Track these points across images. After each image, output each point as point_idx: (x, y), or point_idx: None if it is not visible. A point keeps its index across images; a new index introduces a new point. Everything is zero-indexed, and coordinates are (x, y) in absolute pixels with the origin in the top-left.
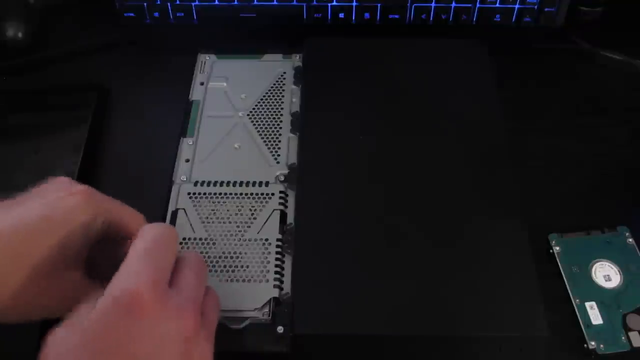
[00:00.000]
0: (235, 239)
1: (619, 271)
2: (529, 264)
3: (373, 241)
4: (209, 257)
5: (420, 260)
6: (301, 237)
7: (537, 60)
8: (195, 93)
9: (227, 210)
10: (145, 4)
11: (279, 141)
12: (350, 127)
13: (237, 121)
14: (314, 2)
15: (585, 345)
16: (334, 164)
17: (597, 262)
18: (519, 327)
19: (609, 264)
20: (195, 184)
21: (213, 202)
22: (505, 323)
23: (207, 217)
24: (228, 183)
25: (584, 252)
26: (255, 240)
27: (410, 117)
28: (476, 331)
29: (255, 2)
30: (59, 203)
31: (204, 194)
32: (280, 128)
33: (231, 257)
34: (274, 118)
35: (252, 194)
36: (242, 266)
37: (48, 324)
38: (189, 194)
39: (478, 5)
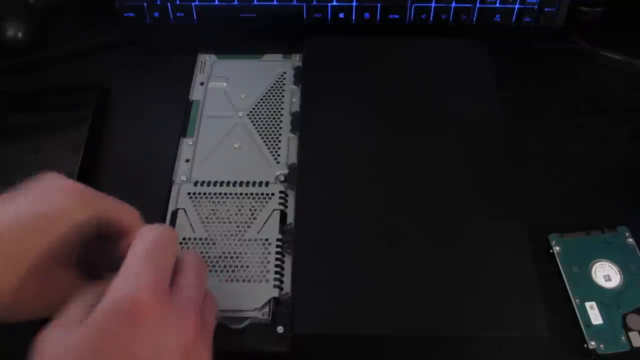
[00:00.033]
0: (235, 239)
1: (619, 271)
2: (529, 264)
3: (373, 241)
4: (209, 257)
5: (420, 260)
6: (301, 237)
7: (537, 60)
8: (195, 93)
9: (227, 210)
10: (145, 4)
11: (279, 141)
12: (350, 127)
13: (237, 121)
14: (314, 2)
15: (585, 345)
16: (334, 164)
17: (597, 262)
18: (519, 327)
19: (609, 264)
20: (195, 184)
21: (213, 202)
22: (505, 323)
23: (207, 217)
24: (228, 183)
25: (584, 252)
26: (255, 240)
27: (410, 117)
28: (476, 331)
29: (255, 2)
30: (53, 200)
31: (204, 194)
32: (280, 128)
33: (231, 257)
34: (274, 118)
35: (252, 194)
36: (242, 266)
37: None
38: (189, 194)
39: (478, 5)
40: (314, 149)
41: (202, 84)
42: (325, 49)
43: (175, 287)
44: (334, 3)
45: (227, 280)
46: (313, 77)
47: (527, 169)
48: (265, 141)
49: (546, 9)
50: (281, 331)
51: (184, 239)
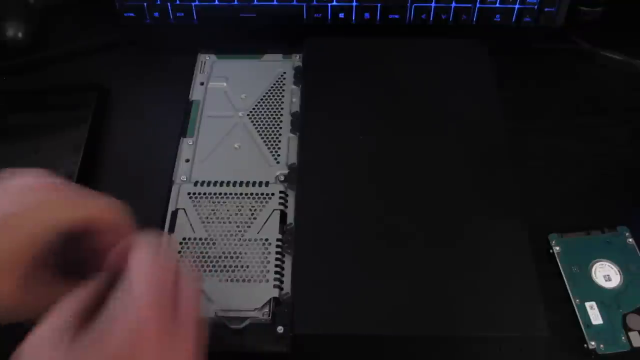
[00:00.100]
0: (235, 239)
1: (619, 271)
2: (529, 264)
3: (373, 241)
4: (209, 257)
5: (420, 260)
6: (301, 237)
7: (537, 60)
8: (195, 93)
9: (227, 210)
10: (145, 4)
11: (279, 141)
12: (350, 127)
13: (237, 121)
14: (314, 2)
15: (585, 345)
16: (334, 164)
17: (597, 262)
18: (519, 327)
19: (609, 264)
20: (195, 184)
21: (213, 202)
22: (505, 323)
23: (207, 217)
24: (228, 183)
25: (584, 252)
26: (255, 240)
27: (410, 117)
28: (476, 331)
29: (255, 2)
30: (24, 199)
31: (204, 194)
32: (280, 128)
33: (231, 257)
34: (274, 118)
35: (252, 194)
36: (242, 266)
37: None
38: (189, 194)
39: (478, 5)
40: (314, 149)
41: (202, 84)
42: (325, 49)
43: (178, 312)
44: (334, 3)
45: (227, 280)
46: (313, 77)
47: (527, 169)
48: (265, 141)
49: (546, 9)
50: (281, 331)
51: (184, 239)
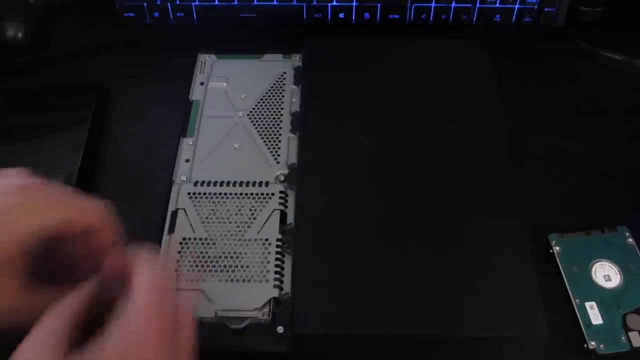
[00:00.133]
0: (235, 239)
1: (619, 271)
2: (529, 264)
3: (373, 241)
4: (209, 257)
5: (420, 260)
6: (301, 237)
7: (537, 60)
8: (195, 93)
9: (227, 210)
10: (145, 4)
11: (279, 141)
12: (350, 127)
13: (237, 121)
14: (314, 2)
15: (585, 345)
16: (334, 164)
17: (597, 262)
18: (519, 327)
19: (609, 264)
20: (195, 184)
21: (213, 202)
22: (505, 323)
23: (207, 217)
24: (228, 183)
25: (584, 252)
26: (255, 240)
27: (410, 117)
28: (476, 331)
29: (255, 2)
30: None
31: (204, 194)
32: (280, 128)
33: (231, 257)
34: (274, 118)
35: (252, 194)
36: (242, 266)
37: None
38: (189, 194)
39: (478, 5)
40: (314, 149)
41: (202, 84)
42: (325, 49)
43: (176, 339)
44: (334, 3)
45: (227, 280)
46: (313, 77)
47: (527, 169)
48: (265, 141)
49: (546, 9)
50: (281, 331)
51: (184, 239)
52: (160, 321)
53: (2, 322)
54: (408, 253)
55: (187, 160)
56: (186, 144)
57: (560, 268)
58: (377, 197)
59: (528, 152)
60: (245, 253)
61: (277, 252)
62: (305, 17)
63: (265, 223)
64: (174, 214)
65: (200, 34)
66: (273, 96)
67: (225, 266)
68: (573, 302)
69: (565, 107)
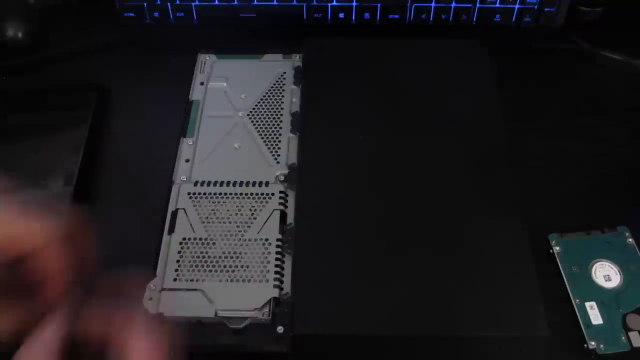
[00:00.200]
0: (235, 239)
1: (619, 271)
2: (529, 264)
3: (373, 241)
4: (209, 257)
5: (420, 260)
6: (301, 237)
7: (537, 60)
8: (195, 93)
9: (227, 210)
10: (145, 4)
11: (279, 141)
12: (350, 127)
13: (237, 121)
14: (314, 2)
15: (585, 345)
16: (334, 164)
17: (597, 262)
18: (519, 327)
19: (609, 264)
20: (195, 184)
21: (213, 202)
22: (505, 323)
23: (207, 217)
24: (228, 183)
25: (584, 252)
26: (255, 240)
27: (410, 117)
28: (476, 331)
29: (255, 2)
30: None
31: (204, 194)
32: (280, 128)
33: (231, 257)
34: (274, 118)
35: (252, 194)
36: (242, 266)
37: None
38: (189, 194)
39: (478, 5)
40: (314, 149)
41: (202, 84)
42: (325, 49)
43: None
44: (334, 3)
45: (227, 280)
46: (313, 77)
47: (527, 169)
48: (265, 141)
49: (546, 9)
50: (281, 331)
51: (184, 239)
52: None
53: None
54: (408, 253)
55: (187, 160)
56: (186, 144)
57: (560, 268)
58: (377, 197)
59: (528, 152)
60: (245, 253)
61: (277, 252)
62: (305, 17)
63: (265, 223)
64: (174, 214)
65: (200, 34)
66: (273, 96)
67: (225, 266)
68: (573, 302)
69: (565, 107)
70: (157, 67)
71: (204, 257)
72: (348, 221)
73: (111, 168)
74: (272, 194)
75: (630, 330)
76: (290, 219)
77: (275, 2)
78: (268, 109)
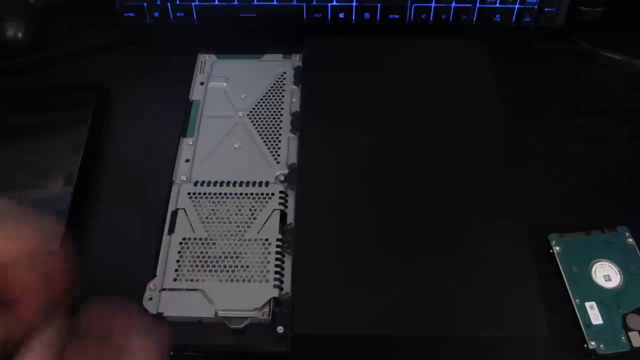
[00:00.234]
0: (235, 239)
1: (619, 271)
2: (529, 264)
3: (373, 241)
4: (209, 257)
5: (420, 259)
6: (301, 237)
7: (537, 60)
8: (195, 93)
9: (227, 210)
10: (145, 4)
11: (279, 141)
12: (350, 127)
13: (237, 121)
14: (314, 2)
15: (585, 345)
16: (334, 164)
17: (597, 262)
18: (519, 327)
19: (609, 264)
20: (195, 184)
21: (213, 202)
22: (505, 323)
23: (207, 217)
24: (228, 183)
25: (584, 252)
26: (255, 240)
27: (410, 117)
28: (476, 331)
29: (255, 2)
30: None
31: (204, 194)
32: (280, 128)
33: (231, 257)
34: (274, 118)
35: (252, 194)
36: (242, 266)
37: None
38: (189, 194)
39: (478, 5)
40: (314, 149)
41: (202, 84)
42: (325, 49)
43: None
44: (334, 3)
45: (227, 280)
46: (313, 77)
47: (527, 169)
48: (265, 141)
49: (546, 9)
50: (281, 331)
51: (184, 239)
52: None
53: None
54: (408, 253)
55: (187, 160)
56: (186, 144)
57: (560, 268)
58: (377, 197)
59: (528, 152)
60: (245, 253)
61: (277, 252)
62: (305, 17)
63: (265, 223)
64: (174, 214)
65: (200, 34)
66: (273, 96)
67: (225, 266)
68: (573, 302)
69: (565, 107)
70: (157, 67)
71: (204, 257)
72: (348, 221)
73: (111, 168)
74: (272, 194)
75: (630, 330)
76: (290, 219)
77: (275, 2)
78: (268, 109)
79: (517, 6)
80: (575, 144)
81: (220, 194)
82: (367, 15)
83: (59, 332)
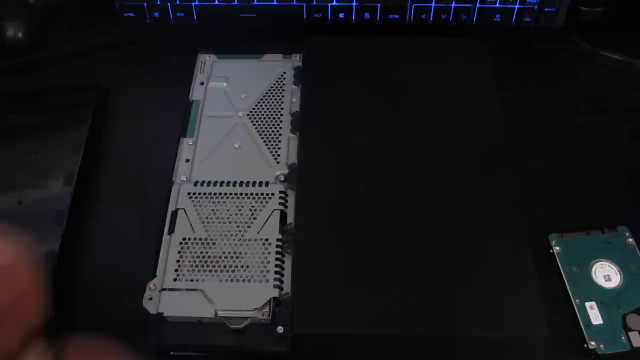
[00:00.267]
0: (235, 239)
1: (619, 271)
2: (529, 264)
3: (373, 241)
4: (209, 257)
5: (420, 259)
6: (301, 237)
7: (537, 60)
8: (195, 93)
9: (227, 210)
10: (145, 4)
11: (279, 141)
12: (350, 127)
13: (237, 121)
14: (314, 2)
15: (585, 345)
16: (334, 164)
17: (597, 262)
18: (519, 327)
19: (609, 264)
20: (195, 184)
21: (213, 202)
22: (505, 323)
23: (207, 217)
24: (228, 183)
25: (584, 252)
26: (255, 240)
27: (410, 117)
28: (476, 331)
29: (255, 2)
30: None
31: (204, 194)
32: (280, 128)
33: (231, 257)
34: (274, 118)
35: (252, 194)
36: (242, 266)
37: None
38: (189, 194)
39: (478, 5)
40: (314, 149)
41: (202, 84)
42: (325, 49)
43: None
44: (334, 3)
45: (227, 280)
46: (313, 77)
47: (527, 169)
48: (265, 141)
49: (546, 9)
50: (281, 331)
51: (184, 239)
52: None
53: None
54: (408, 253)
55: (187, 160)
56: (186, 144)
57: (560, 268)
58: (377, 197)
59: (528, 152)
60: (245, 253)
61: (277, 252)
62: (305, 17)
63: (265, 223)
64: (174, 214)
65: (200, 34)
66: (273, 96)
67: (225, 266)
68: (573, 302)
69: (565, 107)
70: (157, 67)
71: (204, 257)
72: (348, 221)
73: (111, 168)
74: (272, 194)
75: (630, 330)
76: (290, 219)
77: (275, 2)
78: (268, 109)
79: (517, 6)
80: (575, 144)
81: (220, 194)
82: (367, 15)
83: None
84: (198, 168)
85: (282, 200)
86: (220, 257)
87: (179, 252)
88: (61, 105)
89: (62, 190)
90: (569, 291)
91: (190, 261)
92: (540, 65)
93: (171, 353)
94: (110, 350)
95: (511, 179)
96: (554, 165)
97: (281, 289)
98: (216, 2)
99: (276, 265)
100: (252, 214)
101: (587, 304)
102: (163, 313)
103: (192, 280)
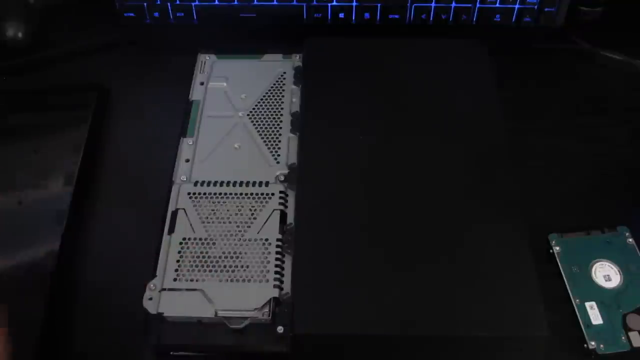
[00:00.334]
0: (235, 239)
1: (619, 271)
2: (529, 264)
3: (373, 241)
4: (209, 257)
5: (420, 260)
6: (301, 237)
7: (537, 60)
8: (195, 93)
9: (227, 210)
10: (145, 4)
11: (279, 141)
12: (350, 127)
13: (237, 121)
14: (314, 2)
15: (585, 345)
16: (334, 164)
17: (597, 262)
18: (519, 327)
19: (609, 264)
20: (195, 184)
21: (213, 202)
22: (505, 323)
23: (207, 217)
24: (228, 183)
25: (584, 252)
26: (255, 240)
27: (410, 117)
28: (476, 331)
29: (255, 2)
30: None
31: (204, 194)
32: (280, 128)
33: (231, 257)
34: (274, 118)
35: (252, 194)
36: (242, 266)
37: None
38: (189, 194)
39: (478, 5)
40: (314, 149)
41: (202, 84)
42: (325, 49)
43: None
44: (334, 3)
45: (227, 280)
46: (313, 77)
47: (527, 169)
48: (265, 141)
49: (546, 9)
50: (281, 331)
51: (184, 239)
52: None
53: None
54: (408, 253)
55: (187, 160)
56: (186, 144)
57: (560, 268)
58: (377, 197)
59: (528, 152)
60: (245, 253)
61: (277, 252)
62: (305, 17)
63: (265, 223)
64: (174, 214)
65: (200, 34)
66: (273, 96)
67: (225, 266)
68: (573, 302)
69: (565, 107)
70: (157, 67)
71: (204, 257)
72: (348, 221)
73: (111, 168)
74: (272, 194)
75: (630, 330)
76: (290, 219)
77: (275, 2)
78: (268, 109)
79: (517, 6)
80: (575, 144)
81: (220, 194)
82: (367, 15)
83: None
84: (198, 168)
85: (282, 200)
86: (220, 257)
87: (179, 252)
88: (61, 105)
89: (62, 190)
90: (569, 291)
91: (190, 261)
92: (540, 65)
93: (171, 353)
94: None
95: (511, 179)
96: (554, 165)
97: (281, 289)
98: (216, 2)
99: (276, 265)
100: (252, 214)
101: (587, 304)
102: (163, 313)
103: (192, 280)
